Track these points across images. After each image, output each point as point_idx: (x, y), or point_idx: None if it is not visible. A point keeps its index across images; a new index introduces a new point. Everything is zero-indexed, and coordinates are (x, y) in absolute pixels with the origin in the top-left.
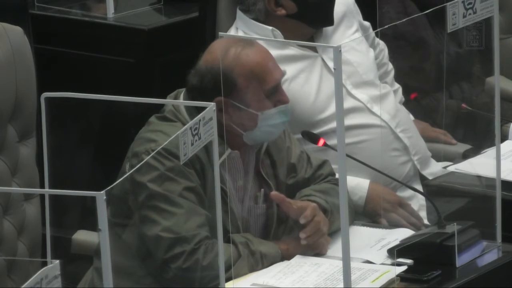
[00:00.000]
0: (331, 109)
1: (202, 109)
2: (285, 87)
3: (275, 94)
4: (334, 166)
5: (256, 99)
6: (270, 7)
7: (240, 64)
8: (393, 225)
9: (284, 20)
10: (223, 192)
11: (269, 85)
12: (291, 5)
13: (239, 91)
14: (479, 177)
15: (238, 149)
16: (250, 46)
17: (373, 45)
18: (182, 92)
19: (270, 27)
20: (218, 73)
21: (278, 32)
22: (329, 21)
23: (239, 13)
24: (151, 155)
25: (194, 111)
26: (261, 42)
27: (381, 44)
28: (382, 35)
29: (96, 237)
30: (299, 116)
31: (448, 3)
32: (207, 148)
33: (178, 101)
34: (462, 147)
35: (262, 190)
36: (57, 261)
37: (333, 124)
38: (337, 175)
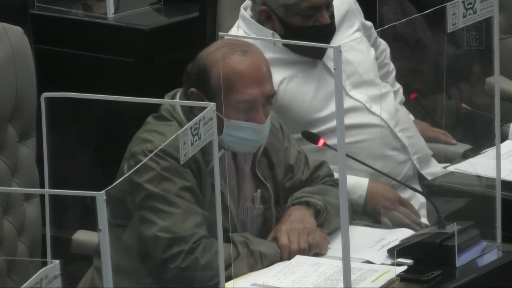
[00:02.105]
0: (330, 108)
1: (197, 108)
2: (283, 86)
3: (250, 110)
4: (333, 166)
5: (226, 104)
6: (261, 18)
7: (222, 64)
8: (394, 223)
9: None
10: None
11: (242, 97)
12: (279, 27)
13: (211, 89)
14: (479, 177)
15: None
16: (243, 53)
17: (374, 45)
18: (180, 91)
19: (271, 31)
20: (199, 66)
21: (278, 36)
22: (316, 55)
23: (242, 12)
24: (149, 156)
25: (189, 110)
26: (261, 43)
27: (383, 44)
28: (382, 36)
29: (96, 237)
30: (297, 115)
31: (448, 3)
32: (203, 147)
33: (178, 101)
34: (462, 147)
35: (259, 191)
36: (57, 261)
37: (331, 124)
38: (336, 175)
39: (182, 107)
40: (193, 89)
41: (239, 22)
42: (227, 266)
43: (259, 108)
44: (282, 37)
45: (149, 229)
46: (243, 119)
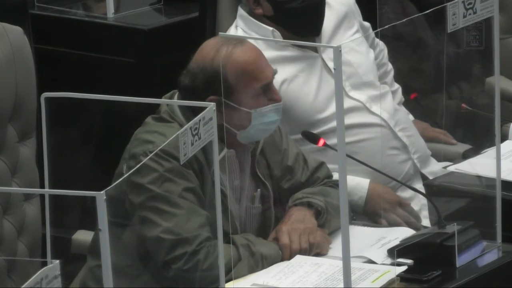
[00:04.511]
0: (331, 109)
1: (196, 109)
2: (284, 87)
3: (267, 93)
4: (334, 166)
5: (248, 97)
6: (249, 4)
7: (231, 62)
8: (392, 225)
9: (267, 21)
10: (222, 193)
11: (261, 82)
12: (268, 6)
13: (231, 90)
14: (479, 177)
15: (234, 149)
16: (241, 44)
17: (372, 45)
18: (177, 92)
19: (271, 28)
20: (210, 72)
21: (277, 33)
22: (311, 30)
23: (240, 11)
24: (149, 156)
25: (188, 111)
26: (259, 42)
27: (381, 44)
28: (382, 36)
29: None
30: (298, 116)
31: (448, 3)
32: (205, 148)
33: (179, 101)
34: (462, 147)
35: (259, 190)
36: (57, 261)
37: (332, 124)
38: (336, 175)
39: (181, 108)
40: (212, 97)
41: (237, 20)
42: (229, 269)
43: (274, 87)
44: (274, 18)
45: (152, 230)
46: (265, 104)
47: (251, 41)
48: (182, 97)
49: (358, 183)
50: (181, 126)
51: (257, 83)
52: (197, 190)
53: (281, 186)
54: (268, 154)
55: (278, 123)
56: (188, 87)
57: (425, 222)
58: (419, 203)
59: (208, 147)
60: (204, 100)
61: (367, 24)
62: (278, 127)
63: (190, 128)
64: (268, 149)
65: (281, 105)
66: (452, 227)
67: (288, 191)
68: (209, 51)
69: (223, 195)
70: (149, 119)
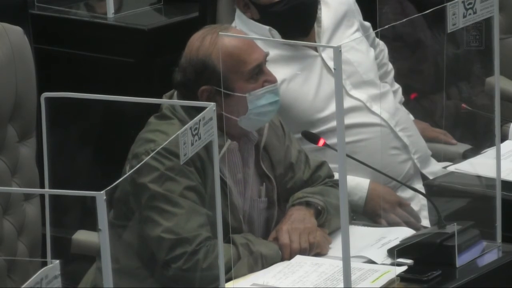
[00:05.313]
0: (330, 108)
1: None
2: (283, 86)
3: (260, 75)
4: (334, 166)
5: (240, 81)
6: (240, 7)
7: (217, 49)
8: (392, 225)
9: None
10: (224, 186)
11: (250, 65)
12: (254, 10)
13: (223, 74)
14: (479, 177)
15: (237, 141)
16: (226, 31)
17: (373, 45)
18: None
19: (268, 27)
20: (197, 63)
21: (275, 31)
22: (298, 32)
23: (237, 12)
24: (150, 155)
25: (190, 108)
26: (259, 42)
27: (381, 44)
28: (381, 36)
29: (96, 237)
30: (298, 115)
31: (448, 3)
32: (207, 145)
33: (178, 101)
34: (462, 147)
35: (264, 184)
36: (57, 261)
37: (332, 124)
38: (336, 175)
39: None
40: (204, 87)
41: (236, 21)
42: (228, 269)
43: (266, 69)
44: (261, 21)
45: (153, 229)
46: (259, 87)
47: None
48: (178, 93)
49: (358, 183)
50: (182, 121)
51: (246, 66)
52: (198, 188)
53: (284, 183)
54: (271, 151)
55: (278, 104)
56: (181, 83)
57: (425, 222)
58: (419, 203)
59: (210, 145)
60: (196, 92)
61: (367, 24)
62: (280, 123)
63: (190, 128)
64: (271, 145)
65: (277, 86)
66: (452, 227)
67: (290, 190)
68: (194, 42)
69: (226, 188)
70: (151, 119)
